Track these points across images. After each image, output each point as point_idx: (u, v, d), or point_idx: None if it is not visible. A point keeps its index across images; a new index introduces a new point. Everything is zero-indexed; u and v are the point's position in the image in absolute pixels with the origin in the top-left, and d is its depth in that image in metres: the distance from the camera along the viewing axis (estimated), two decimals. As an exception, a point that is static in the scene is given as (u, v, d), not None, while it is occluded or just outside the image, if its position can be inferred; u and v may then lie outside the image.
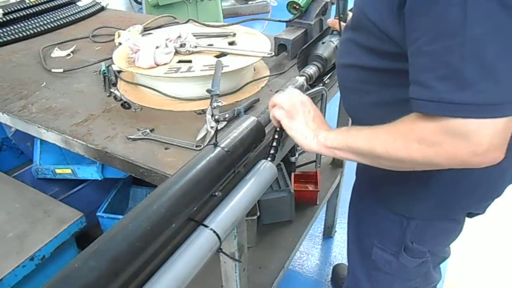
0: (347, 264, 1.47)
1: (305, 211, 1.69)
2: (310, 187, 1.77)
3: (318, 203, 1.73)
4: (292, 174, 1.73)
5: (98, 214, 1.46)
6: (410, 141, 0.66)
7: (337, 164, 1.95)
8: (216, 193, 0.78)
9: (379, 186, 0.97)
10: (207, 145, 0.79)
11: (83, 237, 1.32)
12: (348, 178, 2.15)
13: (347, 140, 0.77)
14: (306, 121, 0.84)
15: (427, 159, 0.65)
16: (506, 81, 0.58)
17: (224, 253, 0.73)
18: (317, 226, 2.23)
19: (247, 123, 0.85)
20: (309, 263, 2.05)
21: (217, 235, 0.71)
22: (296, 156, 1.28)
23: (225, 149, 0.77)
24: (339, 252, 2.11)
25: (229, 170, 0.77)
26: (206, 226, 0.72)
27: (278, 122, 0.88)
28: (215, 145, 0.77)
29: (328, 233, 2.19)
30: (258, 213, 1.48)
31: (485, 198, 0.94)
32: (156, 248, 0.62)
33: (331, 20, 1.29)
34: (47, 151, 1.58)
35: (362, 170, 1.07)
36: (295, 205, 1.64)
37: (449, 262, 2.02)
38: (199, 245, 0.69)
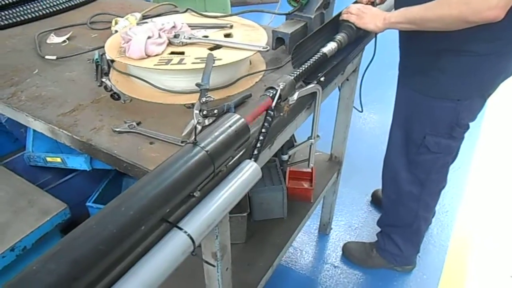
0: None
1: (298, 208, 1.66)
2: (305, 185, 1.75)
3: (312, 201, 1.70)
4: (287, 171, 1.70)
5: (87, 204, 1.45)
6: (452, 2, 1.06)
7: (335, 161, 1.92)
8: (195, 193, 0.75)
9: (438, 82, 1.35)
10: (187, 143, 0.77)
11: (73, 228, 1.31)
12: (346, 175, 2.14)
13: (405, 14, 1.18)
14: (371, 15, 1.25)
15: (461, 13, 1.05)
16: None
17: (199, 257, 0.71)
18: (313, 223, 2.21)
19: (230, 121, 0.82)
20: (303, 260, 2.03)
21: (191, 238, 0.69)
22: (289, 153, 1.24)
23: (205, 149, 0.74)
24: (334, 250, 2.09)
25: (208, 171, 0.74)
26: (181, 229, 0.70)
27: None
28: (194, 144, 0.74)
29: (323, 230, 2.17)
30: (249, 210, 1.46)
31: (505, 73, 1.37)
32: (123, 251, 0.60)
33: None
34: (40, 138, 1.57)
35: (422, 74, 1.39)
36: (288, 202, 1.61)
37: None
38: (171, 248, 0.66)
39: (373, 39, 1.47)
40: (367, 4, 1.40)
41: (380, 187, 2.16)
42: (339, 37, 1.26)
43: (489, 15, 1.02)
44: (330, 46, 1.22)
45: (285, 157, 1.23)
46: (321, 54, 1.18)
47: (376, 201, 2.35)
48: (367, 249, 1.98)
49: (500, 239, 2.16)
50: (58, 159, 1.41)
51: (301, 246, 2.10)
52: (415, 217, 1.73)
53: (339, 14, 1.35)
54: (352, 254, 2.02)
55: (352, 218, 2.28)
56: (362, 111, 1.69)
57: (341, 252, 2.06)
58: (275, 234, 1.55)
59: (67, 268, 0.53)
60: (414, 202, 1.68)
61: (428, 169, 1.58)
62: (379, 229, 1.95)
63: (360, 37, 1.36)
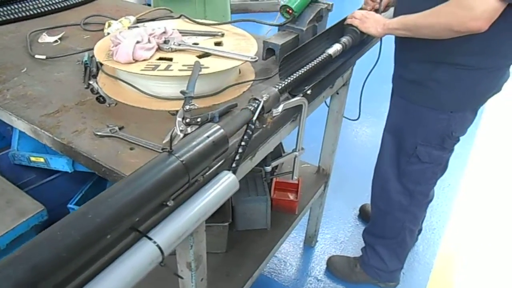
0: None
1: (283, 220, 1.65)
2: (291, 196, 1.74)
3: (297, 213, 1.69)
4: (274, 181, 1.70)
5: (69, 206, 1.44)
6: (441, 12, 1.15)
7: (322, 173, 1.91)
8: (168, 203, 0.75)
9: (432, 93, 1.39)
10: (163, 151, 0.76)
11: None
12: (335, 187, 2.13)
13: (402, 21, 1.26)
14: (373, 21, 1.33)
15: (448, 22, 1.13)
16: None
17: (168, 267, 0.70)
18: (298, 234, 2.20)
19: (209, 132, 0.81)
20: (286, 271, 2.02)
21: (160, 249, 0.68)
22: (272, 165, 1.24)
23: (180, 159, 0.74)
24: (318, 263, 2.07)
25: (182, 181, 0.74)
26: (150, 239, 0.69)
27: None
28: (170, 153, 0.74)
29: (308, 242, 2.16)
30: (231, 220, 1.45)
31: (496, 89, 1.41)
32: (87, 259, 0.59)
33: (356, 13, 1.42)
34: (26, 137, 1.55)
35: (417, 85, 1.43)
36: (273, 213, 1.60)
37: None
38: (138, 258, 0.66)
39: (368, 51, 1.49)
40: (370, 11, 1.47)
41: (368, 201, 2.16)
42: (344, 39, 1.33)
43: (473, 26, 1.09)
44: (336, 48, 1.28)
45: (268, 168, 1.23)
46: (326, 55, 1.24)
47: (363, 215, 2.35)
48: (351, 264, 1.97)
49: (485, 258, 2.15)
50: (41, 159, 1.40)
51: (285, 257, 2.09)
52: (401, 228, 1.74)
53: (334, 26, 1.38)
54: (336, 268, 2.01)
55: (338, 231, 2.27)
56: (358, 119, 1.71)
57: (325, 266, 2.05)
58: (257, 245, 1.54)
59: (25, 274, 0.52)
60: (402, 213, 1.70)
61: (417, 179, 1.61)
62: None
63: (364, 42, 1.42)
